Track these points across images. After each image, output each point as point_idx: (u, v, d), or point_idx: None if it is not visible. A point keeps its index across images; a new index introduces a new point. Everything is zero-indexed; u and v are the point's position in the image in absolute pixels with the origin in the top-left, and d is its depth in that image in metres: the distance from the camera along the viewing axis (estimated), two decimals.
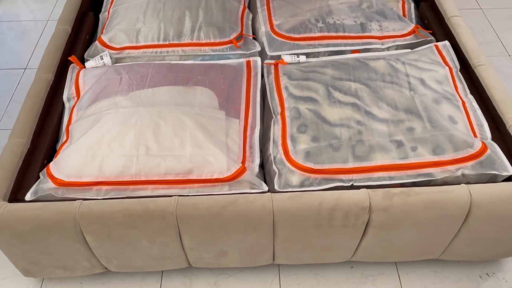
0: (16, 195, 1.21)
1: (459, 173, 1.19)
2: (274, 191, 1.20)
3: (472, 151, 1.21)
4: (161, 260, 1.27)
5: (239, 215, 1.12)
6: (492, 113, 1.35)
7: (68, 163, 1.22)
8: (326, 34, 1.60)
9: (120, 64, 1.55)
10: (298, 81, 1.45)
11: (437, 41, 1.62)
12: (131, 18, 1.64)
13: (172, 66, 1.50)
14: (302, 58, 1.55)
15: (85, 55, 1.61)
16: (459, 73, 1.48)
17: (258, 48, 1.61)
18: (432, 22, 1.69)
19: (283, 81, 1.46)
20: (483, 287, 1.36)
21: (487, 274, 1.39)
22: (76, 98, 1.45)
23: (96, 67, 1.53)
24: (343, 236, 1.20)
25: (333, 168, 1.21)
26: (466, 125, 1.31)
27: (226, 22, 1.64)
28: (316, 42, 1.59)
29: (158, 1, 1.70)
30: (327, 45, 1.59)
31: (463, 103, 1.37)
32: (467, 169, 1.19)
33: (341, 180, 1.20)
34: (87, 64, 1.55)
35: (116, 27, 1.62)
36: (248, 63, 1.56)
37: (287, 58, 1.54)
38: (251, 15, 1.76)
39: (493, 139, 1.29)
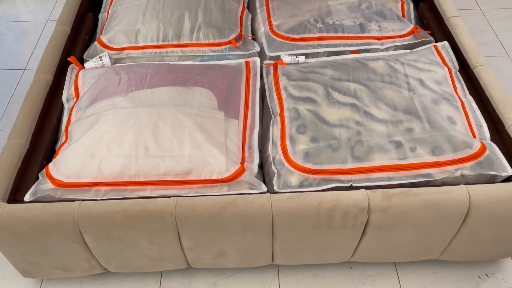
0: (15, 195, 1.21)
1: (458, 173, 1.19)
2: (273, 192, 1.20)
3: (471, 152, 1.21)
4: (160, 261, 1.27)
5: (238, 216, 1.12)
6: (491, 114, 1.35)
7: (67, 164, 1.22)
8: (325, 34, 1.60)
9: (119, 64, 1.55)
10: (297, 81, 1.45)
11: (436, 41, 1.62)
12: (130, 19, 1.64)
13: (171, 67, 1.50)
14: (301, 59, 1.55)
15: (84, 56, 1.61)
16: (458, 73, 1.48)
17: (257, 49, 1.61)
18: (431, 22, 1.69)
19: (282, 81, 1.46)
20: None
21: (486, 274, 1.39)
22: (75, 99, 1.45)
23: (95, 67, 1.53)
24: (342, 237, 1.20)
25: (332, 168, 1.21)
26: (465, 126, 1.31)
27: (225, 22, 1.64)
28: (315, 42, 1.59)
29: (157, 2, 1.70)
30: (326, 46, 1.59)
31: (462, 103, 1.37)
32: (466, 169, 1.19)
33: (340, 181, 1.20)
34: (86, 65, 1.55)
35: (116, 27, 1.62)
36: (247, 63, 1.56)
37: (286, 59, 1.54)
38: (250, 16, 1.76)
39: (492, 139, 1.29)
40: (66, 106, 1.45)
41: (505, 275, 1.39)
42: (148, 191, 1.21)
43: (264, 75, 1.53)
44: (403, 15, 1.73)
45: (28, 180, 1.25)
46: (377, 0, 1.72)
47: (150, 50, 1.58)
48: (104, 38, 1.60)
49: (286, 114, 1.36)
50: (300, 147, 1.26)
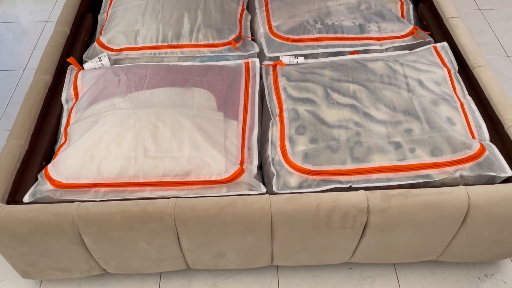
0: (14, 197, 1.21)
1: (457, 174, 1.19)
2: (273, 193, 1.20)
3: (470, 153, 1.21)
4: (159, 262, 1.27)
5: (237, 217, 1.12)
6: (490, 115, 1.35)
7: (66, 165, 1.22)
8: (324, 35, 1.60)
9: (119, 65, 1.55)
10: (296, 82, 1.45)
11: (435, 42, 1.62)
12: (129, 20, 1.64)
13: (171, 68, 1.50)
14: (301, 60, 1.55)
15: (84, 57, 1.61)
16: (458, 74, 1.48)
17: (257, 50, 1.61)
18: (431, 23, 1.69)
19: (282, 82, 1.46)
20: None
21: (485, 275, 1.39)
22: (74, 100, 1.45)
23: (95, 68, 1.53)
24: (341, 238, 1.20)
25: (331, 169, 1.21)
26: (464, 127, 1.31)
27: (224, 23, 1.64)
28: (315, 43, 1.59)
29: (156, 3, 1.70)
30: (326, 46, 1.59)
31: (461, 104, 1.37)
32: (465, 170, 1.19)
33: (339, 182, 1.20)
34: (85, 66, 1.55)
35: (115, 28, 1.62)
36: (247, 64, 1.56)
37: (285, 59, 1.54)
38: (249, 16, 1.76)
39: (491, 140, 1.29)
40: (65, 107, 1.45)
41: (505, 276, 1.39)
42: (147, 192, 1.21)
43: (264, 76, 1.53)
44: (403, 16, 1.73)
45: (27, 181, 1.25)
46: (376, 0, 1.72)
47: (150, 51, 1.58)
48: (103, 39, 1.60)
49: (285, 115, 1.36)
50: (300, 148, 1.26)
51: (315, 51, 1.58)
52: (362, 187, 1.19)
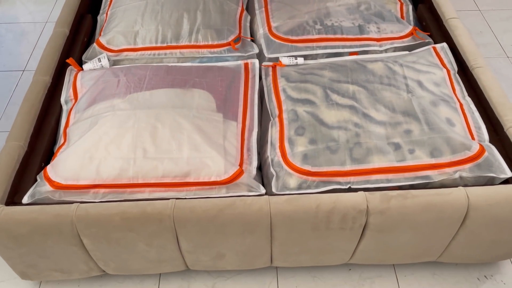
0: (13, 198, 1.21)
1: (456, 175, 1.19)
2: (272, 194, 1.20)
3: (469, 154, 1.21)
4: (158, 263, 1.27)
5: (236, 218, 1.12)
6: (490, 115, 1.35)
7: (65, 166, 1.22)
8: (324, 36, 1.60)
9: (118, 66, 1.55)
10: (296, 83, 1.44)
11: (435, 43, 1.62)
12: (129, 20, 1.64)
13: (170, 69, 1.50)
14: (300, 60, 1.55)
15: (83, 58, 1.61)
16: (457, 75, 1.48)
17: (256, 50, 1.61)
18: (430, 24, 1.69)
19: (281, 83, 1.46)
20: None
21: (485, 276, 1.39)
22: (73, 101, 1.45)
23: (94, 69, 1.53)
24: (341, 239, 1.20)
25: (331, 170, 1.21)
26: (464, 128, 1.31)
27: (224, 24, 1.64)
28: (314, 44, 1.59)
29: (156, 3, 1.70)
30: (325, 47, 1.59)
31: (461, 105, 1.37)
32: (465, 171, 1.19)
33: (339, 183, 1.20)
34: (85, 67, 1.55)
35: (114, 29, 1.62)
36: (246, 65, 1.56)
37: (285, 60, 1.54)
38: (249, 17, 1.76)
39: (491, 141, 1.29)
40: (64, 108, 1.45)
41: (504, 277, 1.39)
42: (146, 193, 1.21)
43: (263, 77, 1.53)
44: (402, 17, 1.73)
45: (26, 183, 1.24)
46: (376, 1, 1.72)
47: (149, 52, 1.58)
48: (102, 39, 1.60)
49: (284, 116, 1.36)
50: (299, 149, 1.26)
51: (314, 52, 1.58)
52: (362, 188, 1.19)
